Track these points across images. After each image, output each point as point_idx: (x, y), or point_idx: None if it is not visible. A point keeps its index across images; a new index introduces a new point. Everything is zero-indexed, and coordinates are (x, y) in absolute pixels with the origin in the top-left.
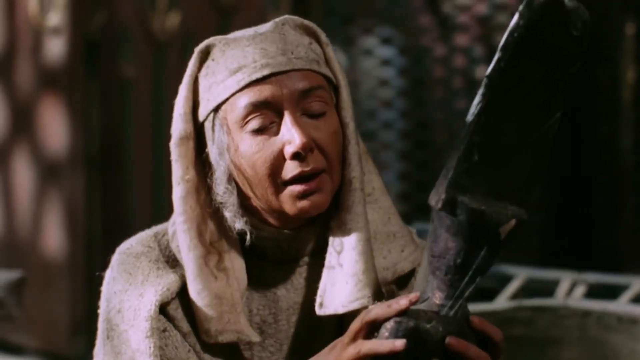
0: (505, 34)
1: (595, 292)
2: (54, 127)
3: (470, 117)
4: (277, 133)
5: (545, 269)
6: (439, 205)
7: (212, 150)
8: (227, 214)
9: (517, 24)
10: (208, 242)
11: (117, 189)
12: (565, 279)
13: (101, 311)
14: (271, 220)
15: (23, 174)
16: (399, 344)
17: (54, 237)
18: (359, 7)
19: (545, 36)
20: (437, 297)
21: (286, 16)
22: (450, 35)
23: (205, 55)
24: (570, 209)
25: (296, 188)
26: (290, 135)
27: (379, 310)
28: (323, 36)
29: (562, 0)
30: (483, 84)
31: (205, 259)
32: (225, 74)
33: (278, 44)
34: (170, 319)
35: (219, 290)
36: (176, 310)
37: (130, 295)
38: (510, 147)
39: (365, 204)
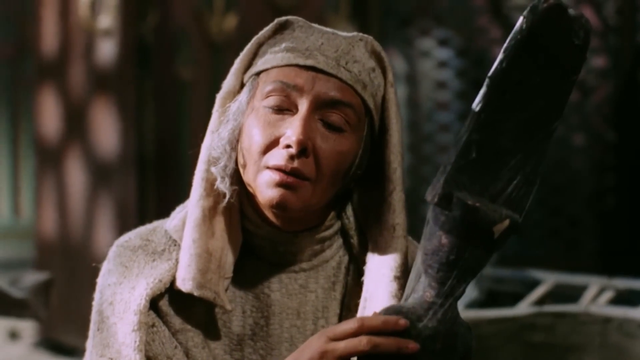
0: (509, 37)
1: (630, 298)
2: (106, 128)
3: (470, 115)
4: (286, 120)
5: (574, 274)
6: (435, 200)
7: (233, 105)
8: (213, 169)
9: (521, 27)
10: (220, 203)
11: (172, 190)
12: (593, 284)
13: (95, 303)
14: (269, 216)
15: (76, 175)
16: (412, 346)
17: (105, 238)
18: (417, 8)
19: (547, 42)
20: (428, 295)
21: (370, 37)
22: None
23: (280, 27)
24: (631, 214)
25: (272, 175)
26: (292, 127)
27: (372, 323)
28: (390, 75)
29: (565, 8)
30: (485, 83)
31: (210, 213)
32: (280, 49)
33: (340, 49)
34: (162, 314)
35: (212, 247)
36: (168, 306)
37: (123, 288)
38: (508, 149)
39: (408, 251)
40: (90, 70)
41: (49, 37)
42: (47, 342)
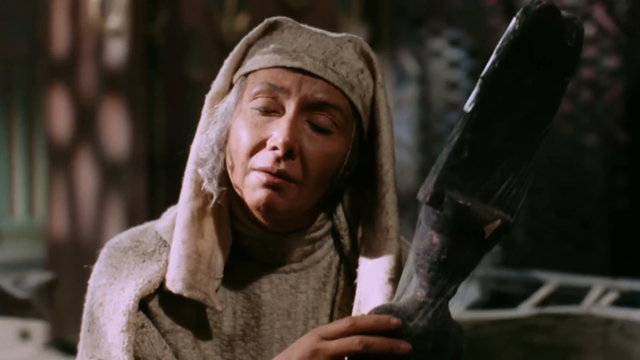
0: (502, 37)
1: (634, 300)
2: (116, 129)
3: (462, 115)
4: (273, 122)
5: (583, 275)
6: (427, 199)
7: (221, 106)
8: (200, 170)
9: (513, 28)
10: (209, 204)
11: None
12: (597, 285)
13: (86, 304)
14: (257, 217)
15: (86, 176)
16: (404, 346)
17: None
18: (428, 9)
19: (540, 43)
20: (419, 295)
21: (359, 38)
22: None
23: (269, 28)
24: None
25: (259, 176)
26: (279, 129)
27: (364, 323)
28: (380, 77)
29: (557, 10)
30: (477, 84)
31: (199, 214)
32: (268, 50)
33: (328, 50)
34: (152, 315)
35: (202, 248)
36: (158, 307)
37: (113, 289)
38: (500, 150)
39: (401, 254)
40: (101, 70)
41: (59, 37)
42: (57, 343)
